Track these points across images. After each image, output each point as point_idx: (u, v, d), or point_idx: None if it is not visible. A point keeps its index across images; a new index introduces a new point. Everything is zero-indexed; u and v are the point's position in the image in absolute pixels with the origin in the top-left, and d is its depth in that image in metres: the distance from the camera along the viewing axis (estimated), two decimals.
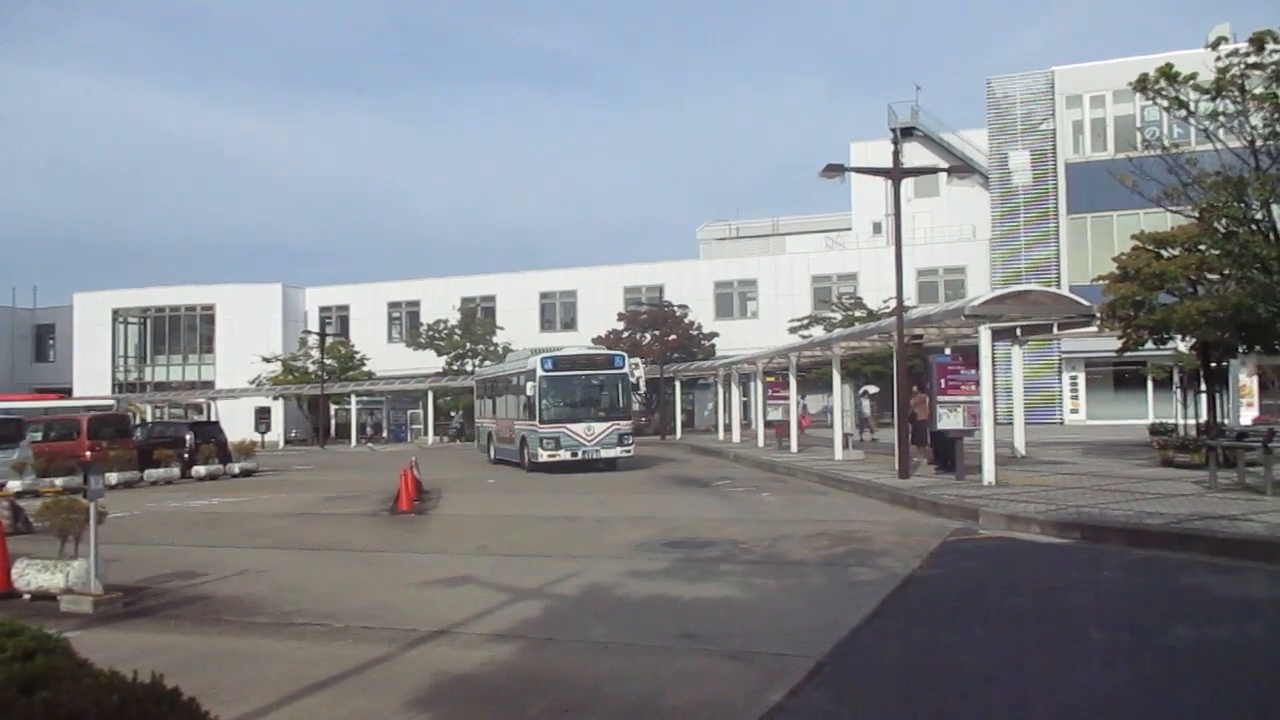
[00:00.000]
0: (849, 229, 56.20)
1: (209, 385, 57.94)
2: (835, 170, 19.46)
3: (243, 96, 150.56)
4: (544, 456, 24.61)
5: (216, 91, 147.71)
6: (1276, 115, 14.83)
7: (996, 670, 6.47)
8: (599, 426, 25.06)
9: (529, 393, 25.06)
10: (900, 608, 8.31)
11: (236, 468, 28.82)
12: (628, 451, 25.53)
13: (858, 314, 43.42)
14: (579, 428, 24.85)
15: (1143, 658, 6.69)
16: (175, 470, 26.94)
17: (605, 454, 25.00)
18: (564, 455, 24.62)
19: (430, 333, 51.58)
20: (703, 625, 7.83)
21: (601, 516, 15.52)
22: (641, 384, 28.24)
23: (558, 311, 56.54)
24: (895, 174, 19.67)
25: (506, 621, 8.13)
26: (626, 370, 26.10)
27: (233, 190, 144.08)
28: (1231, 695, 5.82)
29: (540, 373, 25.06)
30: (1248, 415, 16.89)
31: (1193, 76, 15.69)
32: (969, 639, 7.34)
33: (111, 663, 3.38)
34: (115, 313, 60.98)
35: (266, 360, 52.70)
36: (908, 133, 49.92)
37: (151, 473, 26.08)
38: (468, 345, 51.18)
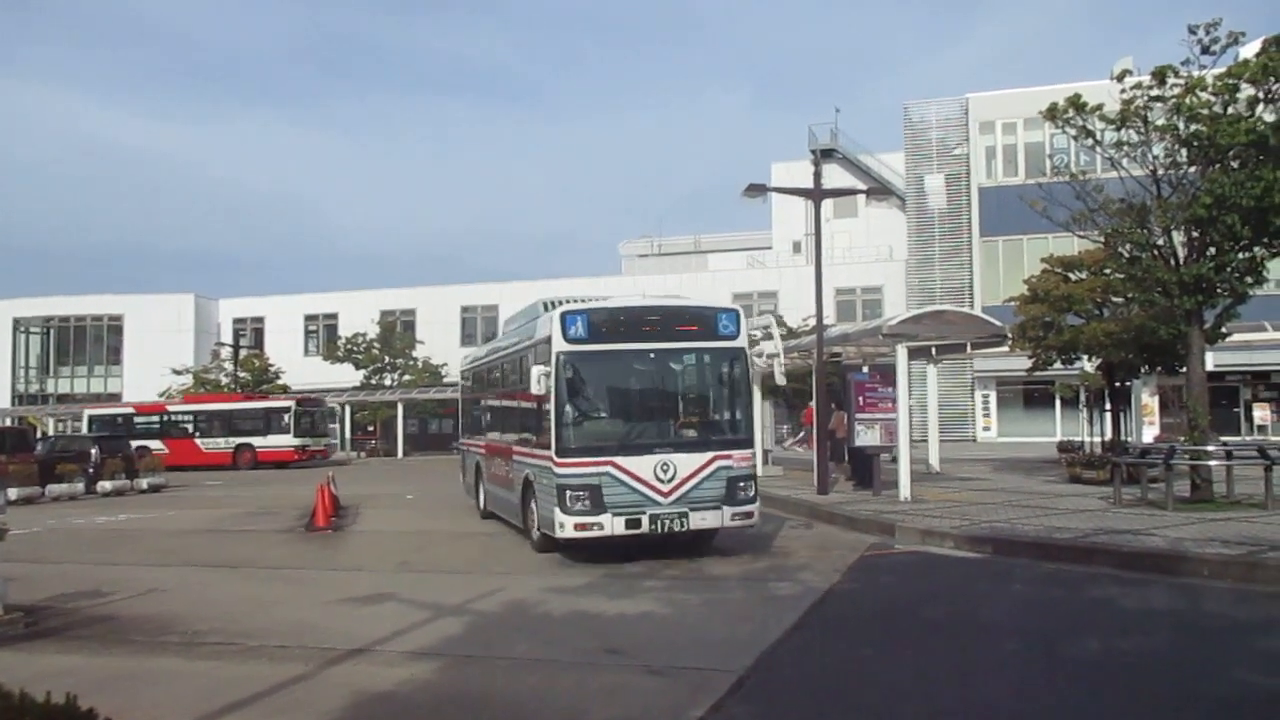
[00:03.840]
0: (769, 248, 56.87)
1: (116, 398, 56.06)
2: (757, 190, 19.70)
3: (156, 102, 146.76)
4: (569, 526, 11.31)
5: (127, 95, 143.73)
6: (1177, 146, 15.45)
7: (914, 682, 6.59)
8: (686, 461, 11.62)
9: (537, 388, 11.70)
10: (819, 621, 8.43)
11: (145, 483, 27.96)
12: (746, 516, 11.91)
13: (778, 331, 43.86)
14: (643, 464, 11.47)
15: (1052, 668, 6.88)
16: (79, 485, 26.03)
17: (698, 521, 11.56)
18: (611, 524, 11.29)
19: (348, 346, 50.71)
20: (625, 641, 7.84)
21: (522, 533, 15.41)
22: (779, 372, 14.60)
23: (479, 326, 56.03)
24: (816, 195, 20.02)
25: (427, 639, 8.04)
26: (743, 341, 12.38)
27: (144, 198, 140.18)
28: (1136, 702, 6.03)
29: (560, 346, 11.54)
30: (1149, 433, 17.54)
31: (1099, 107, 16.26)
32: (886, 651, 7.47)
33: (16, 686, 3.27)
34: (16, 322, 58.70)
35: (177, 372, 51.21)
36: (828, 154, 50.76)
37: (54, 488, 25.18)
38: (386, 359, 50.46)
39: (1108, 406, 22.86)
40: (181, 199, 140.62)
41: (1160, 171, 15.73)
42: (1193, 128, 15.17)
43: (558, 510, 11.30)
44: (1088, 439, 23.99)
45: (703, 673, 6.77)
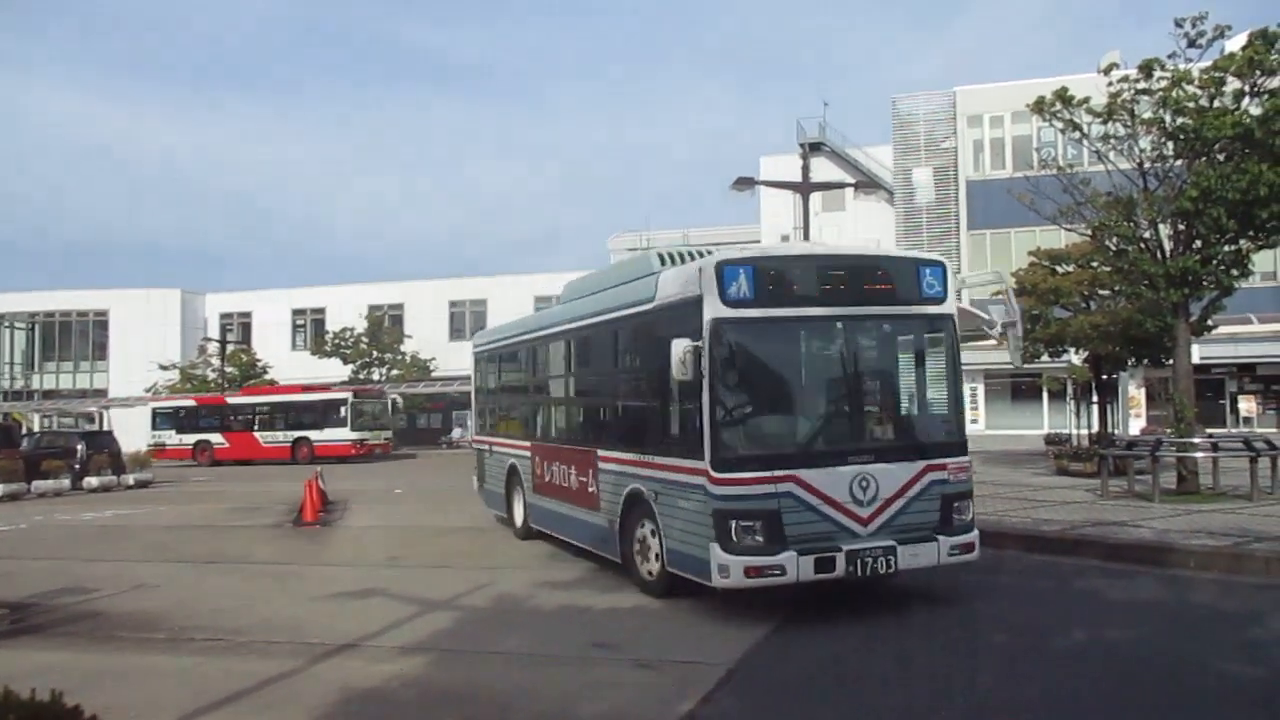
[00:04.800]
0: (758, 241, 56.91)
1: (102, 393, 55.82)
2: (746, 183, 19.73)
3: (141, 95, 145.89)
4: (736, 570, 7.79)
5: (111, 89, 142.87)
6: (1163, 139, 15.50)
7: (900, 676, 6.61)
8: (890, 475, 8.30)
9: (680, 370, 8.06)
10: (806, 614, 8.43)
11: (131, 479, 27.82)
12: (966, 549, 8.53)
13: None
14: (835, 479, 8.10)
15: (1040, 659, 6.91)
16: (65, 482, 25.93)
17: (908, 558, 8.15)
18: (796, 567, 7.80)
19: (336, 341, 50.56)
20: (615, 635, 7.84)
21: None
22: (1014, 349, 10.21)
23: (468, 320, 55.92)
24: (804, 188, 20.06)
25: (416, 634, 8.03)
26: (951, 305, 9.07)
27: (129, 192, 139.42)
28: (1124, 693, 6.05)
29: (717, 311, 8.07)
30: (1136, 426, 17.62)
31: (1086, 100, 16.31)
32: (870, 646, 7.49)
33: (1, 683, 3.24)
34: (0, 317, 58.40)
35: (164, 368, 50.97)
36: (815, 148, 50.72)
37: (40, 484, 25.09)
38: (374, 354, 50.32)
39: (1095, 399, 22.97)
40: (167, 193, 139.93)
41: (1147, 165, 15.78)
42: (1179, 121, 15.23)
43: (716, 548, 7.77)
44: (1075, 431, 24.09)
45: (692, 666, 6.78)
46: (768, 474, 7.89)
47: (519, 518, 13.64)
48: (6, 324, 58.86)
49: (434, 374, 50.43)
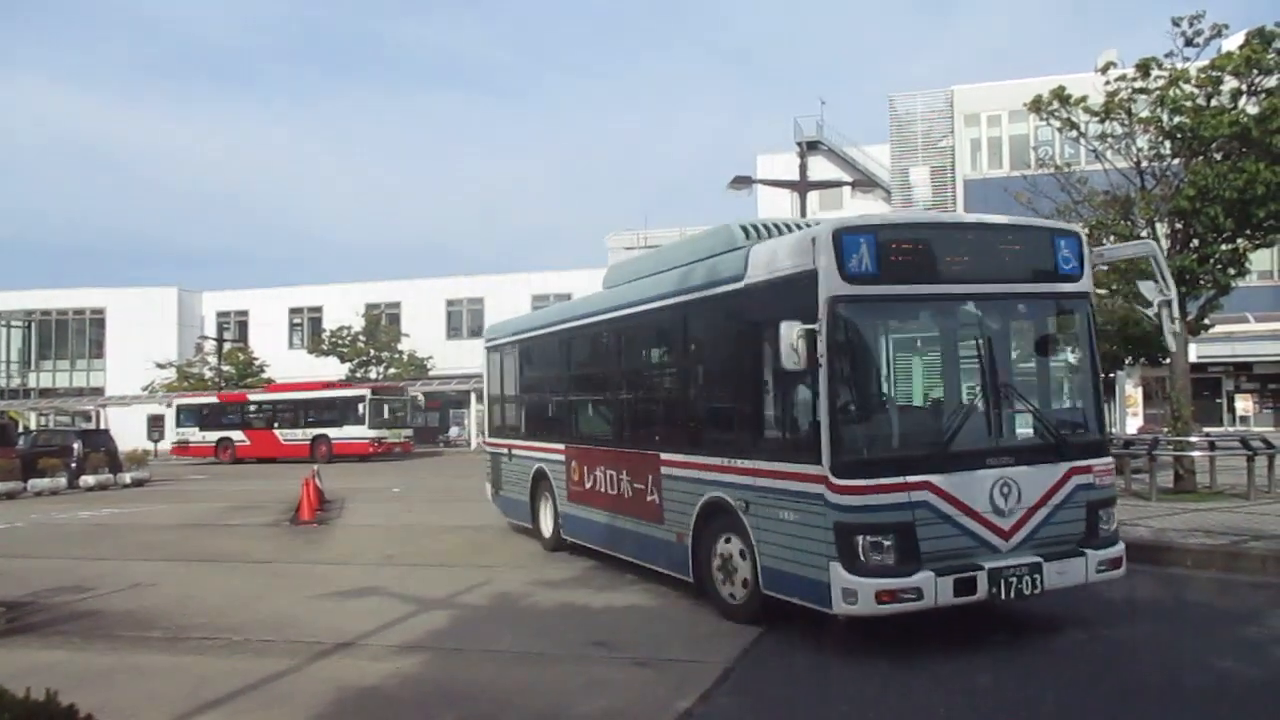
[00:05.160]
0: None
1: (99, 392, 55.82)
2: (743, 181, 19.71)
3: (138, 94, 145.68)
4: (866, 594, 6.60)
5: (109, 87, 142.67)
6: (1160, 138, 15.52)
7: (902, 673, 6.60)
8: (1031, 479, 7.18)
9: (792, 357, 6.74)
10: (804, 612, 8.41)
11: (128, 477, 27.80)
12: (1113, 565, 7.47)
13: None
14: (974, 485, 6.96)
15: (1038, 658, 6.90)
16: (62, 480, 25.88)
17: (1054, 576, 7.06)
18: (934, 589, 6.66)
19: (333, 339, 50.50)
20: (612, 634, 7.84)
21: (508, 525, 15.39)
22: (1170, 332, 9.33)
23: (465, 319, 55.93)
24: (801, 187, 20.05)
25: (413, 633, 8.02)
26: (1087, 282, 7.87)
27: (126, 191, 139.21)
28: (1121, 691, 6.05)
29: (837, 287, 6.80)
30: (1133, 425, 17.61)
31: (1083, 99, 16.32)
32: (872, 640, 7.47)
33: None
34: None
35: (161, 366, 50.96)
36: (813, 147, 50.72)
37: (36, 483, 25.04)
38: (372, 352, 50.28)
39: None
40: (165, 191, 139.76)
41: (1144, 163, 15.79)
42: (1176, 120, 15.24)
43: (838, 568, 6.66)
44: None
45: (690, 665, 6.78)
46: (900, 480, 6.72)
47: (547, 528, 12.39)
48: (3, 322, 58.85)
49: (431, 373, 50.39)
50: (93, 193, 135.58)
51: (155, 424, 49.71)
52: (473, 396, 49.37)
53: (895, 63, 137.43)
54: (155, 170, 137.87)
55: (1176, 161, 15.64)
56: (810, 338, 6.75)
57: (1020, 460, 7.16)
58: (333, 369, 50.36)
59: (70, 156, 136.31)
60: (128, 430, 43.84)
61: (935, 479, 6.79)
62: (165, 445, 48.88)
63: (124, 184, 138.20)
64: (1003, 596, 6.82)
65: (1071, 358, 8.11)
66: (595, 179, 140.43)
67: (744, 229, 8.97)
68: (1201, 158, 15.13)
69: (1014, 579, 6.85)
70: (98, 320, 58.11)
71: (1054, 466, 7.28)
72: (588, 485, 11.03)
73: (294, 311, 58.54)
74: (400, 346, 50.70)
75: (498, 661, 7.11)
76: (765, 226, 9.03)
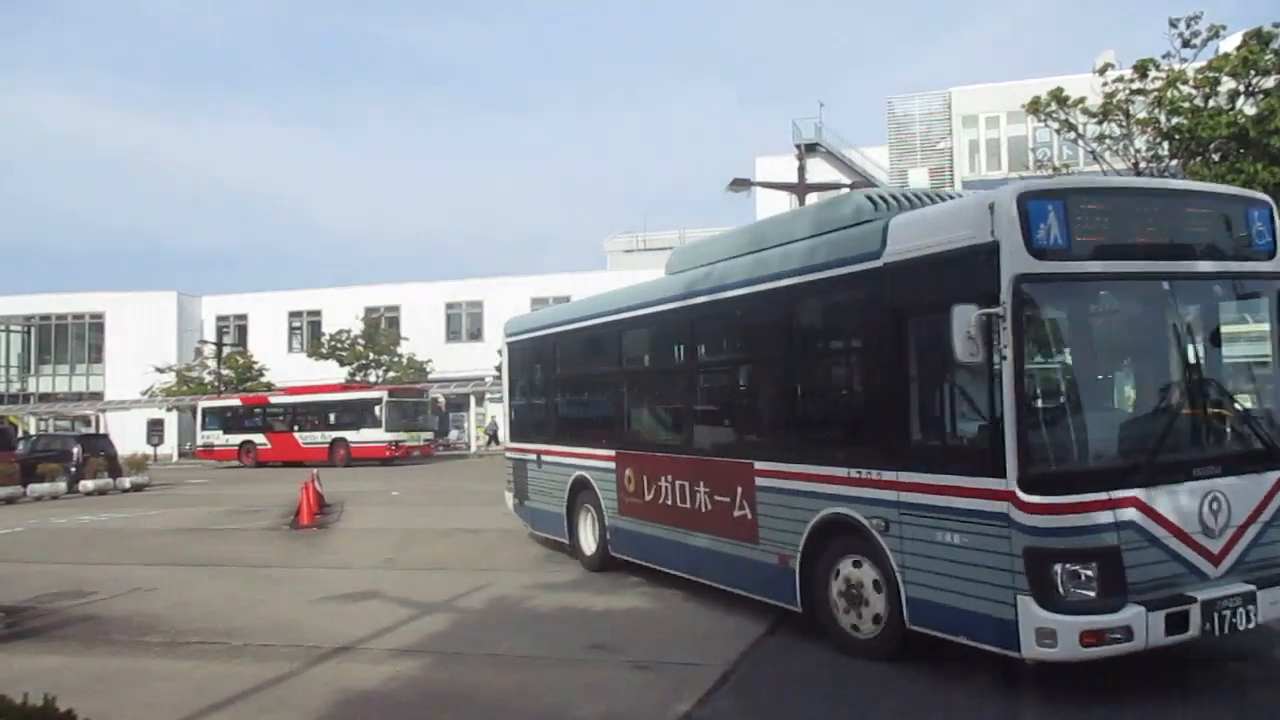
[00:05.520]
0: None
1: (98, 396, 55.75)
2: (742, 184, 19.73)
3: (136, 97, 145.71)
4: (1069, 636, 5.50)
5: (106, 90, 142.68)
6: (1158, 139, 15.54)
7: (901, 676, 6.59)
8: (1240, 492, 6.11)
9: (968, 348, 5.72)
10: (801, 616, 8.42)
11: (127, 482, 27.79)
12: None
13: None
14: (1181, 501, 5.91)
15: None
16: (61, 485, 25.90)
17: (1268, 606, 6.03)
18: (1144, 627, 5.56)
19: (333, 343, 50.47)
20: (611, 637, 7.83)
21: (507, 529, 15.38)
22: None
23: (464, 322, 55.95)
24: (800, 189, 20.06)
25: (412, 636, 8.02)
26: None
27: (126, 195, 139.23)
28: (1120, 688, 6.05)
29: (1023, 264, 5.72)
30: None
31: (1081, 100, 16.37)
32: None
33: None
34: None
35: (160, 370, 50.94)
36: (811, 149, 50.73)
37: (35, 487, 25.04)
38: (371, 356, 50.26)
39: None
40: (164, 196, 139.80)
41: (1142, 165, 15.84)
42: (1174, 121, 15.28)
43: (1030, 604, 5.60)
44: None
45: (689, 667, 6.78)
46: (1104, 496, 5.64)
47: (589, 544, 11.03)
48: (2, 327, 58.79)
49: (430, 376, 50.39)
50: (92, 196, 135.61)
51: (155, 428, 49.65)
52: (472, 400, 49.40)
53: (893, 65, 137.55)
54: (155, 174, 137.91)
55: (1175, 162, 15.67)
56: (989, 325, 5.71)
57: (1227, 469, 6.09)
58: (332, 373, 50.39)
59: (68, 160, 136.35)
60: (127, 435, 43.79)
61: (1142, 494, 5.73)
62: (165, 450, 49.00)
63: (123, 188, 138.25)
64: (1216, 633, 5.79)
65: (1271, 348, 6.79)
66: (594, 182, 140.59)
67: (871, 199, 7.69)
68: (1199, 159, 15.16)
69: (1227, 611, 5.81)
70: (97, 325, 58.08)
71: (1262, 476, 6.25)
72: (647, 497, 9.62)
73: (293, 315, 58.54)
74: (399, 350, 50.69)
75: (497, 665, 7.11)
76: (896, 197, 7.74)
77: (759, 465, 7.82)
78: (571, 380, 12.25)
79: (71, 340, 59.02)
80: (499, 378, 55.79)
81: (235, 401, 42.76)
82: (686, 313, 9.07)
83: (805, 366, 7.95)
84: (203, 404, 43.82)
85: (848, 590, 6.94)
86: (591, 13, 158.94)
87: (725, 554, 8.34)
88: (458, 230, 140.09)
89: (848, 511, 6.84)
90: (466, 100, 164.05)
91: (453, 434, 51.63)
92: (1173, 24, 15.35)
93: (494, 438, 50.38)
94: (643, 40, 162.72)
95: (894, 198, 7.70)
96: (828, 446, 7.30)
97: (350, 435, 37.32)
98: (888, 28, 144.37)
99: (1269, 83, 14.79)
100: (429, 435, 40.07)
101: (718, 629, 7.96)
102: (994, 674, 6.35)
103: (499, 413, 53.05)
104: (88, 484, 26.41)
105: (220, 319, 58.88)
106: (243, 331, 58.51)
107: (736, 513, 8.09)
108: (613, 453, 10.36)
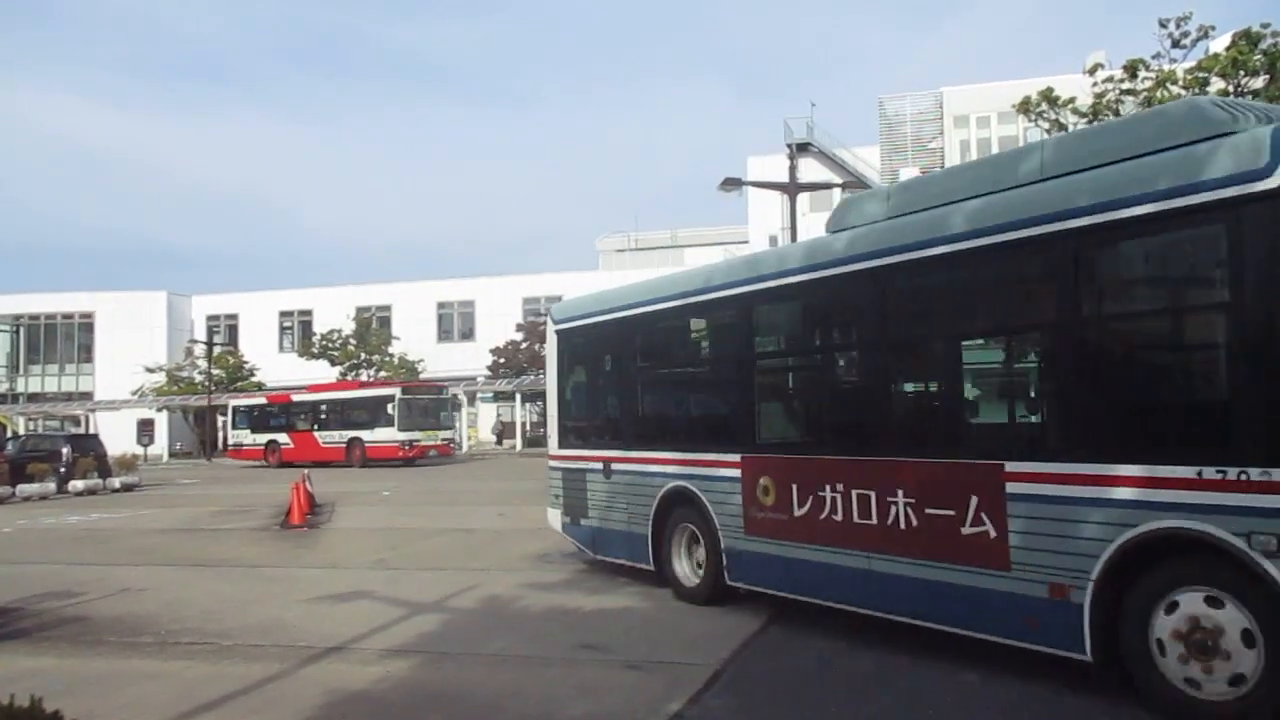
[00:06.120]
0: (746, 241, 56.93)
1: (88, 396, 55.61)
2: (733, 184, 19.73)
3: (127, 96, 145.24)
4: None
5: (97, 89, 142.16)
6: None
7: (891, 675, 6.60)
8: None
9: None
10: (793, 615, 8.43)
11: (117, 482, 27.75)
12: None
13: None
14: None
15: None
16: (51, 485, 25.84)
17: None
18: None
19: (324, 343, 50.43)
20: (603, 636, 7.82)
21: (499, 529, 15.38)
22: None
23: (455, 321, 55.96)
24: (791, 188, 20.08)
25: (403, 636, 8.00)
26: None
27: (115, 194, 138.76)
28: (1121, 689, 6.06)
29: None
30: None
31: (1071, 100, 16.42)
32: (860, 644, 7.48)
33: None
34: None
35: (150, 370, 50.86)
36: (803, 148, 50.83)
37: (25, 488, 24.98)
38: (362, 355, 50.22)
39: None
40: (154, 194, 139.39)
41: None
42: None
43: None
44: None
45: (680, 667, 6.77)
46: None
47: (689, 571, 9.11)
48: None
49: (422, 375, 50.36)
50: (81, 195, 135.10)
51: (145, 428, 49.53)
52: (464, 399, 49.33)
53: (885, 65, 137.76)
54: (145, 173, 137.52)
55: None
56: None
57: None
58: (323, 372, 50.30)
59: (59, 159, 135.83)
60: (117, 435, 43.65)
61: None
62: (155, 450, 48.84)
63: (113, 187, 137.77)
64: None
65: None
66: (586, 182, 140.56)
67: (1221, 108, 5.79)
68: None
69: None
70: (86, 324, 57.93)
71: None
72: (797, 511, 7.68)
73: (284, 315, 58.46)
74: (391, 349, 50.65)
75: (488, 665, 7.10)
76: (1241, 106, 5.90)
77: (1012, 467, 6.06)
78: (664, 371, 10.33)
79: (61, 340, 58.87)
80: (491, 377, 55.48)
81: (260, 399, 42.39)
82: (885, 274, 7.05)
83: (1111, 333, 5.93)
84: (232, 402, 43.53)
85: (1190, 635, 5.17)
86: (584, 13, 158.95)
87: (950, 585, 6.46)
88: (449, 230, 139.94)
89: (1197, 525, 5.07)
90: (458, 100, 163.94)
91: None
92: (1162, 24, 15.44)
93: (500, 438, 50.35)
94: (635, 40, 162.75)
95: (1239, 108, 5.85)
96: (1158, 439, 5.55)
97: (365, 435, 36.23)
98: (880, 27, 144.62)
99: (1258, 83, 14.87)
100: (447, 434, 38.79)
101: (709, 630, 7.95)
102: (984, 671, 6.36)
103: (498, 413, 53.18)
104: (77, 484, 26.35)
105: (210, 318, 58.78)
106: (233, 331, 58.42)
107: (967, 529, 6.31)
108: (737, 458, 8.35)
